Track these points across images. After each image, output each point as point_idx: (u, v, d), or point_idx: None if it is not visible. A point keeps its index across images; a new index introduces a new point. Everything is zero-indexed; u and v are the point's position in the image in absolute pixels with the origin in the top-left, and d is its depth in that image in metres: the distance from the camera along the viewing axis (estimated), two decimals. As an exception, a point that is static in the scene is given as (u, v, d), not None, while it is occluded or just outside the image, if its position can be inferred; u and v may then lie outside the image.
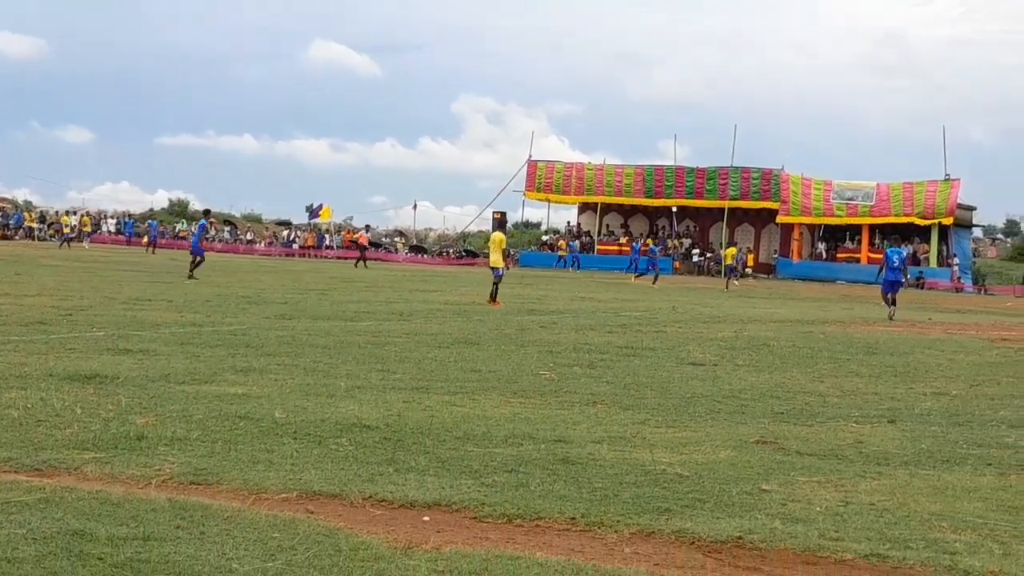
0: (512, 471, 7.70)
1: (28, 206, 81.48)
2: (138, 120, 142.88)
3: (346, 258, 65.31)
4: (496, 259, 27.53)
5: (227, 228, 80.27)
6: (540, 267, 60.95)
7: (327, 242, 74.36)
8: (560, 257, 64.19)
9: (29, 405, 9.28)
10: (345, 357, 13.95)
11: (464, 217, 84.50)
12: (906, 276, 30.81)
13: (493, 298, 26.62)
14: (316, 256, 69.04)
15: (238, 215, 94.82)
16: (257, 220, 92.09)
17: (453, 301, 26.80)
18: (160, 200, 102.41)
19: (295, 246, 73.64)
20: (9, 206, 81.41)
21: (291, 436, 8.57)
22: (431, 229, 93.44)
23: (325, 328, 17.83)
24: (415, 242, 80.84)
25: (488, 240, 28.49)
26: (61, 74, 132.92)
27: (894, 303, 28.02)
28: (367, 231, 58.62)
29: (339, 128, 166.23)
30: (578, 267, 55.50)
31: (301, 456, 7.86)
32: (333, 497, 6.83)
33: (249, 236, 77.43)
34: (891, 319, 27.08)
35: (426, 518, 6.53)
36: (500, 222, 29.74)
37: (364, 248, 53.22)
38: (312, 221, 77.11)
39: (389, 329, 18.17)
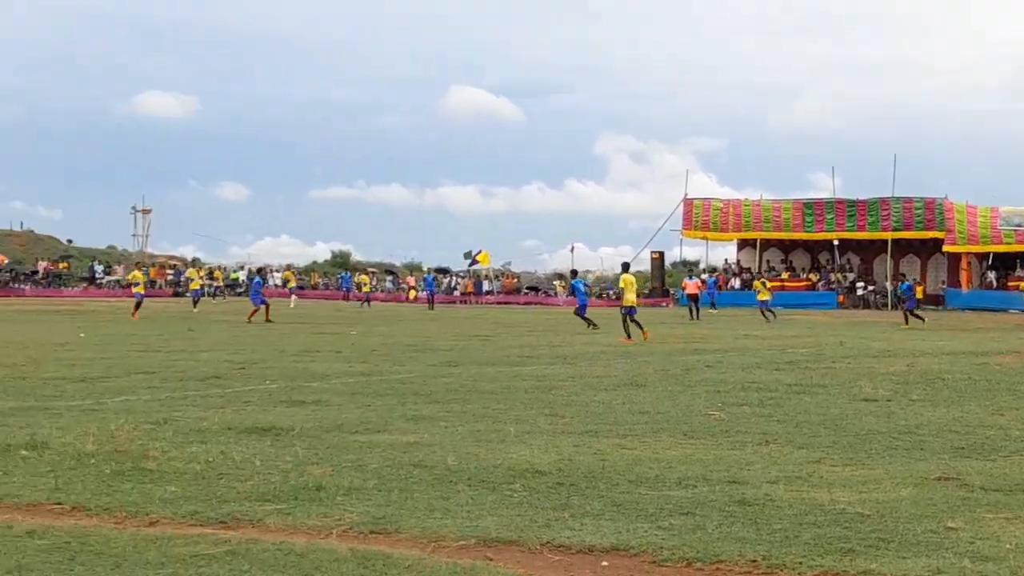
0: (688, 513, 7.63)
1: (196, 263, 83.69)
2: (290, 174, 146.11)
3: (507, 303, 65.77)
4: (631, 298, 28.65)
5: (388, 277, 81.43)
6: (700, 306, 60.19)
7: (486, 288, 74.86)
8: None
9: (210, 459, 9.52)
10: (513, 402, 14.02)
11: (619, 258, 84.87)
12: None
13: (629, 334, 27.61)
14: (476, 302, 69.54)
15: (398, 264, 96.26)
16: (418, 268, 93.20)
17: (616, 343, 26.73)
18: (321, 252, 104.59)
19: (456, 292, 74.28)
20: (179, 263, 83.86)
21: (465, 483, 8.62)
22: (588, 271, 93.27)
23: (491, 374, 17.95)
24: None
25: (622, 281, 29.72)
26: (214, 131, 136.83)
27: None
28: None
29: (486, 173, 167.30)
30: (714, 306, 53.89)
31: (476, 503, 7.90)
32: (511, 543, 6.84)
33: (406, 285, 78.27)
34: None
35: (605, 563, 6.50)
36: (625, 265, 31.00)
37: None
38: (471, 267, 77.68)
39: (554, 373, 18.21)
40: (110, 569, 6.18)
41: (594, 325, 33.37)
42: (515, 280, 79.41)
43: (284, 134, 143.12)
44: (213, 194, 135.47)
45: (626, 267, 31.87)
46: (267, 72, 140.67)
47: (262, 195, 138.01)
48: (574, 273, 40.42)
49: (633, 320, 28.37)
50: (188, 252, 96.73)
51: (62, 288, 73.61)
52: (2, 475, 8.85)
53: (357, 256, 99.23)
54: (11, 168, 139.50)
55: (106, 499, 7.97)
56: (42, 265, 79.38)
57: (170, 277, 76.76)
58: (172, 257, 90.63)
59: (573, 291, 37.50)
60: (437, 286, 66.31)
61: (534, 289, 76.07)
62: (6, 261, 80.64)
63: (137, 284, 42.84)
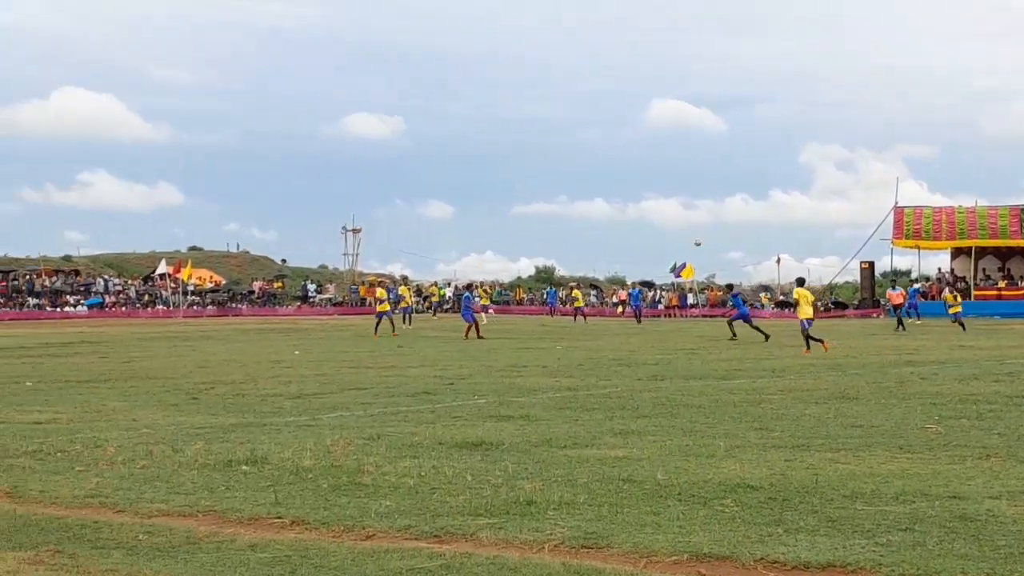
0: (907, 529, 7.43)
1: (406, 280, 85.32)
2: (493, 191, 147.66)
3: (712, 316, 65.19)
4: (807, 311, 28.72)
5: (592, 292, 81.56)
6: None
7: (691, 301, 74.31)
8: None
9: (423, 473, 9.68)
10: (721, 416, 13.89)
11: (826, 268, 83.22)
12: None
13: (808, 346, 27.76)
14: (681, 315, 69.11)
15: (602, 278, 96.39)
16: (621, 282, 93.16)
17: (824, 356, 26.24)
18: (525, 268, 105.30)
19: (660, 306, 73.95)
20: (388, 281, 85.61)
21: (675, 498, 8.58)
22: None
23: (698, 388, 17.83)
24: (781, 297, 79.66)
25: (795, 294, 30.08)
26: (418, 151, 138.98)
27: None
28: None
29: (688, 185, 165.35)
30: (917, 316, 51.44)
31: (688, 518, 7.85)
32: (724, 559, 6.78)
33: (615, 299, 78.23)
34: None
35: (821, 580, 6.39)
36: (800, 280, 31.58)
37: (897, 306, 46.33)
38: (675, 280, 77.20)
39: (763, 386, 17.97)
40: (330, 581, 6.35)
41: (764, 334, 33.88)
42: (720, 293, 78.60)
43: (486, 152, 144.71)
44: (419, 212, 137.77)
45: (801, 282, 31.93)
46: (469, 91, 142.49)
47: (466, 212, 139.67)
48: (729, 287, 42.15)
49: (805, 334, 28.36)
50: (396, 270, 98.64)
51: (276, 307, 75.97)
52: (225, 490, 9.16)
53: (561, 271, 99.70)
54: (226, 191, 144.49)
55: (324, 513, 8.17)
56: (257, 285, 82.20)
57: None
58: (381, 275, 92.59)
59: (733, 303, 38.51)
60: (642, 300, 66.05)
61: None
62: (224, 282, 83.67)
63: (382, 301, 42.90)
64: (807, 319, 28.54)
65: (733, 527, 7.57)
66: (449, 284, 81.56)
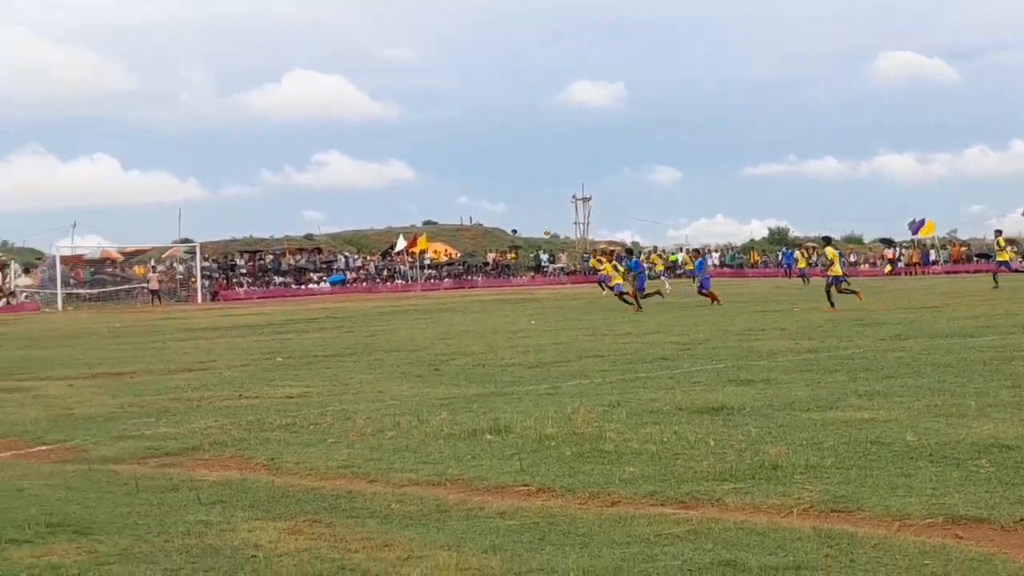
0: None
1: (636, 247, 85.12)
2: (721, 154, 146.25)
3: (956, 272, 63.15)
4: (837, 269, 30.34)
5: (828, 252, 79.82)
6: None
7: (933, 258, 72.12)
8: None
9: (664, 439, 9.67)
10: (971, 375, 13.44)
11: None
12: None
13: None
14: (922, 273, 67.12)
15: (838, 237, 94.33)
16: (858, 241, 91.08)
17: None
18: (758, 230, 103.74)
19: (900, 264, 71.95)
20: (619, 249, 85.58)
21: (926, 459, 8.35)
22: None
23: (944, 346, 17.29)
24: (1029, 249, 76.44)
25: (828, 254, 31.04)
26: (642, 116, 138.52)
27: None
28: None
29: (921, 139, 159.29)
30: None
31: (940, 480, 7.64)
32: (981, 521, 6.58)
33: (852, 258, 76.44)
34: None
35: (1087, 542, 6.14)
36: (827, 239, 31.54)
37: None
38: (914, 237, 74.95)
39: (1014, 343, 17.29)
40: (578, 548, 6.39)
41: (638, 304, 33.95)
42: (963, 248, 76.01)
43: (712, 114, 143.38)
44: (647, 179, 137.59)
45: (828, 240, 31.93)
46: (689, 54, 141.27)
47: (694, 176, 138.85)
48: (629, 252, 42.11)
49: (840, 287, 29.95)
50: (626, 237, 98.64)
51: (510, 277, 76.93)
52: (471, 459, 9.33)
53: (794, 231, 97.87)
54: (455, 166, 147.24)
55: (569, 480, 8.25)
56: (491, 256, 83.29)
57: (611, 262, 78.59)
58: (612, 242, 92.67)
59: (632, 270, 36.20)
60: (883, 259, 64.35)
61: (985, 256, 72.57)
62: (459, 254, 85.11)
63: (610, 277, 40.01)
64: (835, 276, 29.97)
65: (989, 488, 7.34)
66: (681, 249, 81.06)
